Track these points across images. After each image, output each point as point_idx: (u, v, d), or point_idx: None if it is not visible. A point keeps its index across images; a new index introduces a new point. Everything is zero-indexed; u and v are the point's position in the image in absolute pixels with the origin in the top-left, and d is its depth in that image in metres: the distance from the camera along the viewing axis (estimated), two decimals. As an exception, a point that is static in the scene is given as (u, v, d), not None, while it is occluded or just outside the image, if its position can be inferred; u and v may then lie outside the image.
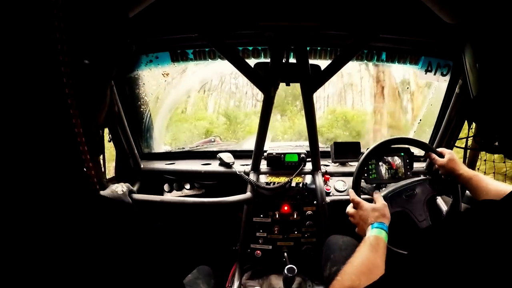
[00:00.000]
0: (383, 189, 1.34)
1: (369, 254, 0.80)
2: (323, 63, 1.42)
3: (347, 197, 1.52)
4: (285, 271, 1.21)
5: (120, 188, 1.31)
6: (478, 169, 1.50)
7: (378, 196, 1.11)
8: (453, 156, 1.29)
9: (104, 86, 0.48)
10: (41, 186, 0.36)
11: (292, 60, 1.40)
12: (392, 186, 1.31)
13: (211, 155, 1.79)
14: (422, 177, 1.36)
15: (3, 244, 0.31)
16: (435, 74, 1.55)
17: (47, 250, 0.32)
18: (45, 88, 0.37)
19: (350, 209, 1.11)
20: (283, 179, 1.54)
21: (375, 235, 0.87)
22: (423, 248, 0.48)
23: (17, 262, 0.30)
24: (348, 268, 0.75)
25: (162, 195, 1.59)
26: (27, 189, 0.35)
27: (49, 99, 0.37)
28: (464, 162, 1.53)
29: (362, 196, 1.30)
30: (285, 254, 1.47)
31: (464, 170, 1.22)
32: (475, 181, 1.14)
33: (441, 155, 1.31)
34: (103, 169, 1.44)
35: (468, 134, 1.53)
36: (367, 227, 0.94)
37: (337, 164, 1.71)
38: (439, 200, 1.52)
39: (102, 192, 1.30)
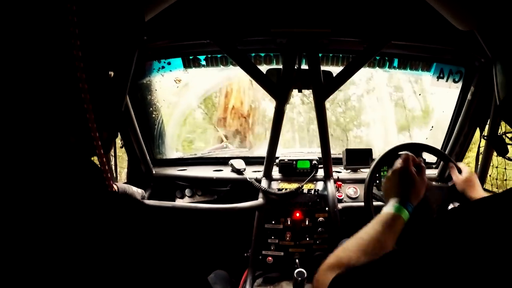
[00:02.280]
0: None
1: (380, 234, 0.68)
2: (335, 70, 1.42)
3: (360, 203, 1.52)
4: (295, 275, 1.20)
5: (135, 188, 1.33)
6: (496, 167, 1.49)
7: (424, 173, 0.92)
8: (471, 176, 1.27)
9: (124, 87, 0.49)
10: (54, 181, 0.37)
11: (304, 66, 1.40)
12: None
13: (223, 161, 1.80)
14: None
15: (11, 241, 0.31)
16: (447, 81, 1.55)
17: (61, 247, 0.31)
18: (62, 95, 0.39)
19: (398, 166, 0.91)
20: (295, 186, 1.54)
21: (395, 213, 0.75)
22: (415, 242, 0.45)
23: (22, 261, 0.30)
24: (352, 244, 0.66)
25: (174, 201, 1.59)
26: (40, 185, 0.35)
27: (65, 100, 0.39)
28: (476, 167, 1.52)
29: (374, 203, 1.30)
30: (297, 260, 1.46)
31: (480, 195, 1.17)
32: None
33: (459, 170, 1.29)
34: (114, 174, 1.47)
35: (480, 140, 1.53)
36: (390, 198, 0.82)
37: (349, 171, 1.71)
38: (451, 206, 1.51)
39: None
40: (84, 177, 0.41)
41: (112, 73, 0.44)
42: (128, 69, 0.49)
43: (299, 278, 1.19)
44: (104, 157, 0.44)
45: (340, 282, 0.51)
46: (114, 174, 1.47)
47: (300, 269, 1.21)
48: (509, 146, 1.04)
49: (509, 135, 0.90)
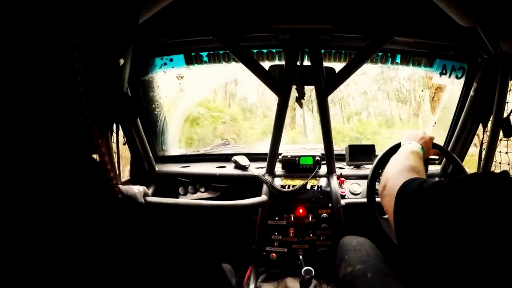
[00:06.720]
0: None
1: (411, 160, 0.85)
2: (338, 66, 1.42)
3: (362, 199, 1.52)
4: (302, 273, 1.20)
5: (136, 188, 1.32)
6: (500, 163, 1.48)
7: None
8: None
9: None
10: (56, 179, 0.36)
11: (307, 62, 1.40)
12: None
13: (226, 158, 1.80)
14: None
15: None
16: (449, 77, 1.55)
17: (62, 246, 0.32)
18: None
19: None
20: (298, 182, 1.54)
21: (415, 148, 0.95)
22: None
23: (21, 260, 0.30)
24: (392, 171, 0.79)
25: (177, 198, 1.59)
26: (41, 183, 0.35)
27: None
28: (479, 164, 1.52)
29: (377, 199, 1.29)
30: (300, 257, 1.46)
31: None
32: None
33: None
34: (117, 171, 1.47)
35: (483, 136, 1.53)
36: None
37: (352, 167, 1.71)
38: None
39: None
40: (88, 177, 0.40)
41: (121, 61, 0.44)
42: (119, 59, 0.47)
43: (307, 276, 1.18)
44: (107, 156, 0.43)
45: (412, 182, 0.64)
46: (117, 172, 1.47)
47: (307, 267, 1.20)
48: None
49: None
